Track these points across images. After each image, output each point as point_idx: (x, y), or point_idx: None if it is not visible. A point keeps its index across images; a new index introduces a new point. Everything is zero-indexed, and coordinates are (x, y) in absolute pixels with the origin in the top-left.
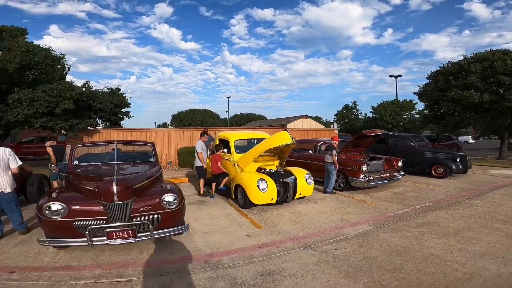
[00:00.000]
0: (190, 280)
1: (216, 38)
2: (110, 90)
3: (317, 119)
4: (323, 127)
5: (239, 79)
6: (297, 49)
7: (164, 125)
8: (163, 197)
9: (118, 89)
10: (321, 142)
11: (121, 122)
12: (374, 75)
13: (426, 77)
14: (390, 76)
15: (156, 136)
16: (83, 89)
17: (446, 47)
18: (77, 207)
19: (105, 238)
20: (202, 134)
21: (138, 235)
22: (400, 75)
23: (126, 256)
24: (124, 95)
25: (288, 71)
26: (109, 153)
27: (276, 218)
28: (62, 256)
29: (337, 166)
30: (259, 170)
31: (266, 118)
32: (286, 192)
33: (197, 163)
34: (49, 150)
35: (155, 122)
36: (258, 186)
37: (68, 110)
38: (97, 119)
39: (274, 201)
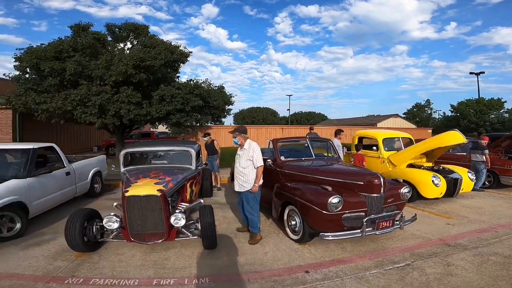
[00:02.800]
0: (461, 257)
1: (261, 36)
2: (216, 88)
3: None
4: (414, 126)
5: (285, 77)
6: (345, 45)
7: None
8: (402, 189)
9: (222, 87)
10: None
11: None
12: (436, 70)
13: None
14: (471, 73)
15: (258, 133)
16: (204, 87)
17: None
18: (349, 199)
19: (370, 228)
20: (338, 133)
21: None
22: (482, 72)
23: (367, 246)
24: (228, 93)
25: (336, 68)
26: (303, 149)
27: (452, 210)
28: (315, 251)
29: (489, 165)
30: (410, 166)
31: (327, 117)
32: (454, 188)
33: None
34: (218, 145)
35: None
36: (432, 181)
37: (195, 107)
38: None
39: (441, 196)
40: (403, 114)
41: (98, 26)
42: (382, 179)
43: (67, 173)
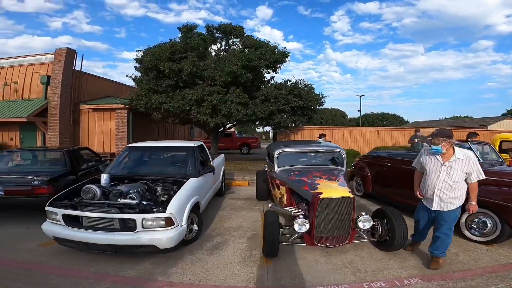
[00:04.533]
0: None
1: (318, 36)
2: (306, 88)
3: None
4: None
5: (344, 77)
6: (413, 42)
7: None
8: None
9: (312, 87)
10: None
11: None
12: None
13: None
14: None
15: (352, 134)
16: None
17: None
18: None
19: None
20: (471, 136)
21: None
22: None
23: None
24: (319, 94)
25: (403, 66)
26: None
27: None
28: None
29: None
30: None
31: (403, 119)
32: None
33: None
34: None
35: None
36: None
37: (293, 107)
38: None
39: None
40: (501, 115)
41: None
42: None
43: (213, 172)
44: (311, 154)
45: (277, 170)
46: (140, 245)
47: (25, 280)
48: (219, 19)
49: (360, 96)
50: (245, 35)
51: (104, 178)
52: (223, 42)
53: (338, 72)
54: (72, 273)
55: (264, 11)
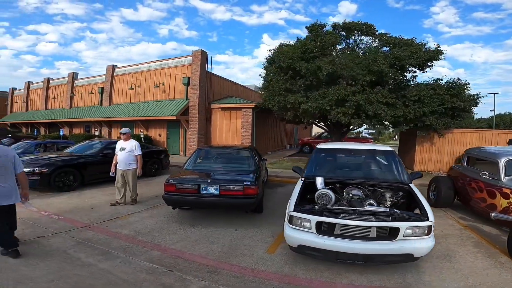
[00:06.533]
0: None
1: (415, 29)
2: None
3: None
4: None
5: (455, 71)
6: None
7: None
8: None
9: (465, 84)
10: None
11: None
12: None
13: None
14: None
15: (494, 137)
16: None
17: None
18: None
19: None
20: None
21: None
22: None
23: None
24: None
25: None
26: None
27: None
28: None
29: None
30: None
31: None
32: None
33: None
34: None
35: None
36: None
37: (448, 108)
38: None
39: None
40: None
41: (266, 28)
42: None
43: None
44: None
45: (504, 179)
46: (393, 254)
47: None
48: (299, 18)
49: (494, 93)
50: (377, 33)
51: (319, 181)
52: (348, 41)
53: (446, 66)
54: (329, 286)
55: (348, 7)
